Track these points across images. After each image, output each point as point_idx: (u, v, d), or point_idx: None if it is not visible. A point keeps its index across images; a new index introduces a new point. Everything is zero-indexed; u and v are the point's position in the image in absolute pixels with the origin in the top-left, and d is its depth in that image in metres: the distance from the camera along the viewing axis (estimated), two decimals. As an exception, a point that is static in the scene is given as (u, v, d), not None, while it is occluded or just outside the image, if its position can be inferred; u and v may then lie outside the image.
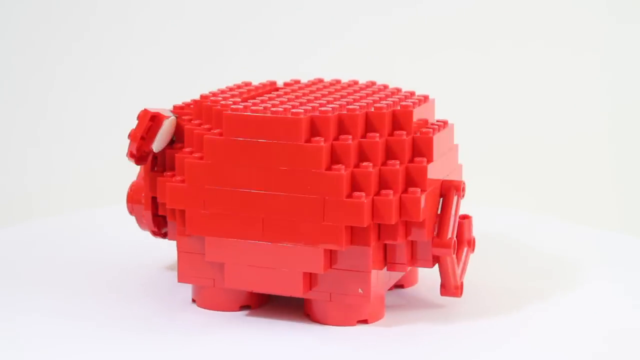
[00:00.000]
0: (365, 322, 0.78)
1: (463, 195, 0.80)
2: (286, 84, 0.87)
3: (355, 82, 0.88)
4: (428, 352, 0.74)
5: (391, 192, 0.74)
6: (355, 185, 0.75)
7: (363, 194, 0.74)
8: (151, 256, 0.92)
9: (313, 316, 0.79)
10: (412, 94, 0.83)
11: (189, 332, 0.77)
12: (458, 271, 0.80)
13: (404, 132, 0.77)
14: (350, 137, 0.75)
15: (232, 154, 0.76)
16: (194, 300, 0.82)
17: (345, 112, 0.76)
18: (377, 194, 0.75)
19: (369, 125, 0.77)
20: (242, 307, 0.81)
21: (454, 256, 0.78)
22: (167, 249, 0.83)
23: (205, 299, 0.81)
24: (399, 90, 0.84)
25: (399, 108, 0.78)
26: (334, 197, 0.74)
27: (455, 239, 0.78)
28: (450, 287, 0.80)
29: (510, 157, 1.53)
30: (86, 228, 1.03)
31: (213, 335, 0.76)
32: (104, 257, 0.93)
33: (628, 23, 1.53)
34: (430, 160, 0.77)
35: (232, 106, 0.77)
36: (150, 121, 0.79)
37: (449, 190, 0.79)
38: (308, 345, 0.75)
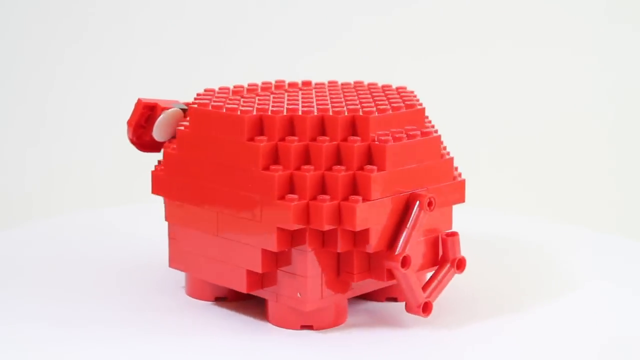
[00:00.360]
0: (310, 327, 0.77)
1: (431, 210, 0.76)
2: (304, 83, 0.87)
3: (374, 84, 0.86)
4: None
5: (328, 197, 0.73)
6: (292, 188, 0.74)
7: (295, 196, 0.73)
8: (152, 255, 0.93)
9: (265, 315, 0.79)
10: (412, 99, 0.80)
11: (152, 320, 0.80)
12: (418, 289, 0.76)
13: (359, 139, 0.74)
14: (296, 138, 0.74)
15: (194, 147, 0.78)
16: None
17: (299, 113, 0.75)
18: (315, 198, 0.73)
19: (324, 128, 0.75)
20: (218, 299, 0.82)
21: (407, 272, 0.75)
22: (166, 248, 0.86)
23: (188, 287, 0.84)
24: (404, 96, 0.81)
25: (361, 114, 0.75)
26: (267, 197, 0.74)
27: (407, 253, 0.74)
28: (411, 305, 0.76)
29: (509, 157, 1.51)
30: (86, 228, 1.02)
31: (159, 323, 0.79)
32: (104, 256, 0.93)
33: (627, 23, 1.48)
34: (382, 168, 0.74)
35: (200, 101, 0.79)
36: (149, 110, 0.83)
37: (413, 203, 0.76)
38: (238, 343, 0.75)
